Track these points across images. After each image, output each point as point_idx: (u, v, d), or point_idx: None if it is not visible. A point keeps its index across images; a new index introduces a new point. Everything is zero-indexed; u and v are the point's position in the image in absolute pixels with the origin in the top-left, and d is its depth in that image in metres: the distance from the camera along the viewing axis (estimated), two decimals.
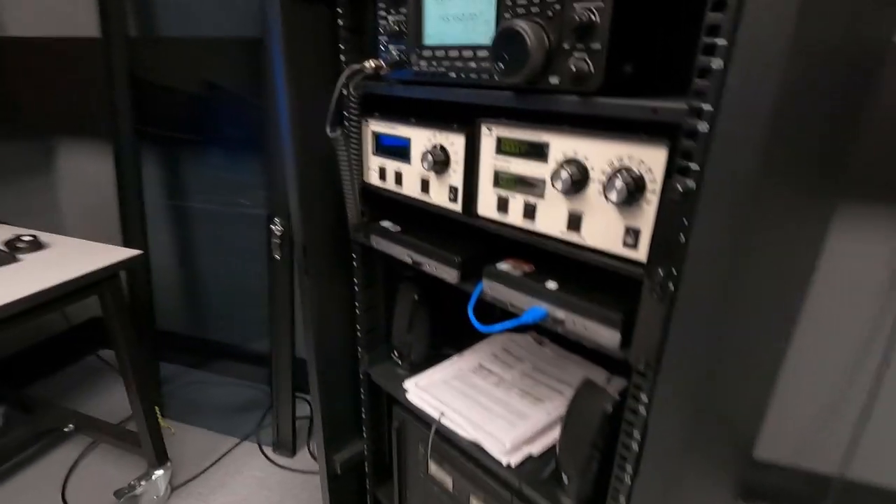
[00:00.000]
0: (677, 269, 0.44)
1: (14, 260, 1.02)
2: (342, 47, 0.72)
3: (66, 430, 1.32)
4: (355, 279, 0.85)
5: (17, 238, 1.07)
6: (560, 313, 0.56)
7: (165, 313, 1.71)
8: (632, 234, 0.49)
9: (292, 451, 1.44)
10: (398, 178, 0.70)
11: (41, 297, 0.91)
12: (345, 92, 0.66)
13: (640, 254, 0.49)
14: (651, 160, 0.46)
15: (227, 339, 1.69)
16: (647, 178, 0.46)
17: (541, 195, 0.55)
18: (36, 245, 1.08)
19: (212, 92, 1.37)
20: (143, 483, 1.21)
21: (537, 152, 0.54)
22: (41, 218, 1.63)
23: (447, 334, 0.93)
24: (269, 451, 1.44)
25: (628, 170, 0.47)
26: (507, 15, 0.51)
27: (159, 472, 1.23)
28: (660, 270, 0.46)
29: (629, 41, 0.46)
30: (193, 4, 1.29)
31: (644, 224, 0.47)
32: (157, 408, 1.54)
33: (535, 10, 0.48)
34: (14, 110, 1.50)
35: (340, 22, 0.71)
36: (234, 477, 1.34)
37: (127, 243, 1.47)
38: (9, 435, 1.34)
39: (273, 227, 1.30)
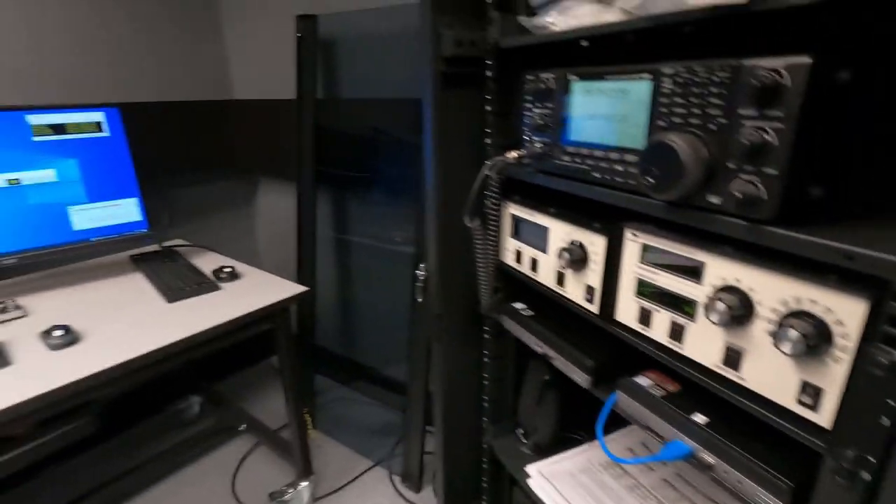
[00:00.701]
0: (876, 458, 0.35)
1: (217, 288, 1.24)
2: (488, 130, 0.73)
3: (240, 428, 1.56)
4: (486, 350, 0.85)
5: (221, 269, 1.30)
6: (709, 457, 0.48)
7: (324, 331, 1.93)
8: (810, 392, 0.39)
9: (418, 487, 1.49)
10: (534, 265, 0.69)
11: (234, 324, 1.08)
12: (487, 173, 0.66)
13: (822, 418, 0.39)
14: (843, 311, 0.36)
15: (372, 362, 1.83)
16: (835, 330, 0.37)
17: (691, 317, 0.48)
18: (233, 276, 1.31)
19: (377, 135, 1.52)
20: (290, 491, 1.37)
21: (690, 271, 0.47)
22: (241, 243, 1.97)
23: (578, 414, 0.87)
24: (397, 480, 1.51)
25: (809, 315, 0.38)
26: (660, 123, 0.46)
27: (304, 484, 1.38)
28: (849, 451, 0.36)
29: (817, 163, 0.38)
30: (368, 75, 1.46)
31: (829, 384, 0.38)
32: (308, 417, 1.73)
33: (694, 120, 0.43)
34: (230, 155, 1.85)
35: (488, 107, 0.72)
36: (364, 500, 1.44)
37: (300, 267, 1.70)
38: (201, 423, 1.63)
39: (418, 271, 1.37)
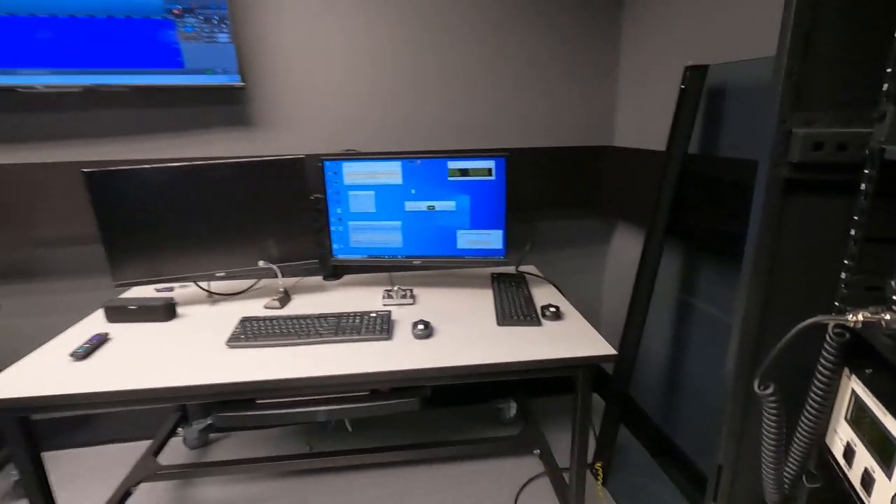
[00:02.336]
0: None
1: (538, 324, 1.37)
2: (849, 262, 0.52)
3: (534, 452, 1.68)
4: None
5: (549, 306, 1.42)
6: None
7: (642, 387, 1.81)
8: None
9: None
10: (867, 480, 0.45)
11: (537, 364, 1.18)
12: (832, 330, 0.48)
13: None
14: None
15: (686, 446, 1.60)
16: None
17: None
18: (557, 315, 1.40)
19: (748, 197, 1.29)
20: None
21: None
22: (588, 280, 2.06)
23: None
24: None
25: None
26: None
27: None
28: None
29: None
30: (751, 131, 1.24)
31: None
32: (600, 470, 1.68)
33: None
34: (595, 197, 1.95)
35: (855, 230, 0.51)
36: None
37: (629, 317, 1.64)
38: (511, 427, 1.85)
39: None
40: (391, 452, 1.56)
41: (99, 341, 1.25)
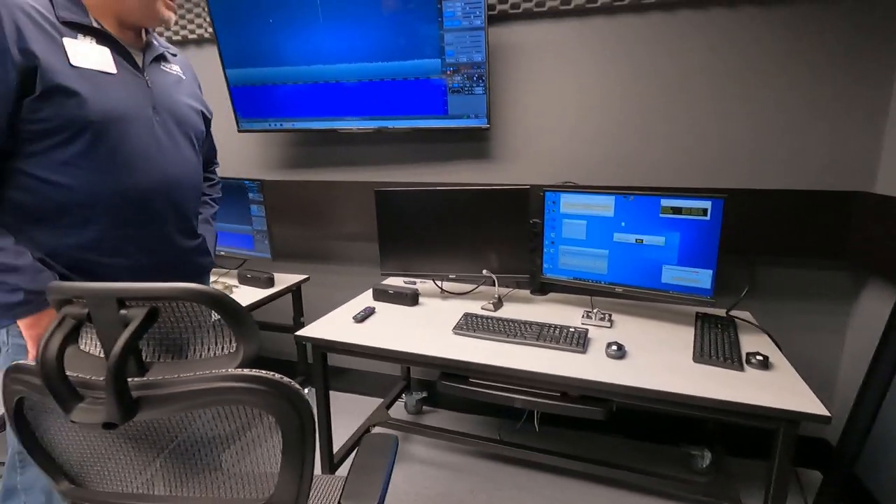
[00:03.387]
0: None
1: (740, 369, 1.34)
2: None
3: None
4: None
5: (756, 353, 1.38)
6: None
7: (873, 468, 1.53)
8: None
9: None
10: None
11: (740, 408, 1.18)
12: None
13: None
14: None
15: None
16: None
17: None
18: (764, 365, 1.35)
19: None
20: None
21: None
22: (819, 341, 1.82)
23: None
24: None
25: None
26: None
27: None
28: None
29: None
30: None
31: None
32: None
33: None
34: (839, 247, 1.72)
35: None
36: None
37: (867, 381, 1.44)
38: (700, 476, 1.77)
39: None
40: (573, 460, 1.69)
41: (369, 312, 1.73)
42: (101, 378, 0.64)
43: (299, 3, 1.90)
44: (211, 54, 2.28)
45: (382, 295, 1.86)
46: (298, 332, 1.59)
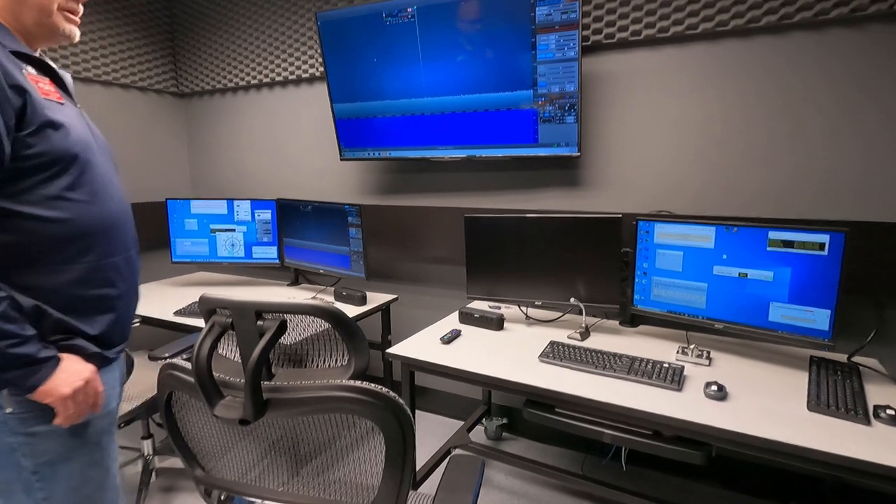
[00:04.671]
0: None
1: (867, 423, 1.20)
2: None
3: None
4: None
5: (887, 406, 1.23)
6: None
7: None
8: None
9: None
10: None
11: (869, 468, 1.06)
12: None
13: None
14: None
15: None
16: None
17: None
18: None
19: None
20: None
21: None
22: None
23: None
24: None
25: None
26: None
27: None
28: None
29: None
30: None
31: None
32: None
33: None
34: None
35: None
36: None
37: None
38: None
39: None
40: None
41: (455, 334, 1.78)
42: (238, 379, 0.74)
43: (402, 45, 2.06)
44: (320, 91, 2.52)
45: (469, 318, 1.90)
46: (389, 350, 1.67)
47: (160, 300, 2.34)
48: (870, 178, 1.61)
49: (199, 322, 2.02)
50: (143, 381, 1.82)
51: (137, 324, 1.95)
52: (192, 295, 2.43)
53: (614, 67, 1.91)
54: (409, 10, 1.99)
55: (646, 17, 1.80)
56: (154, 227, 2.65)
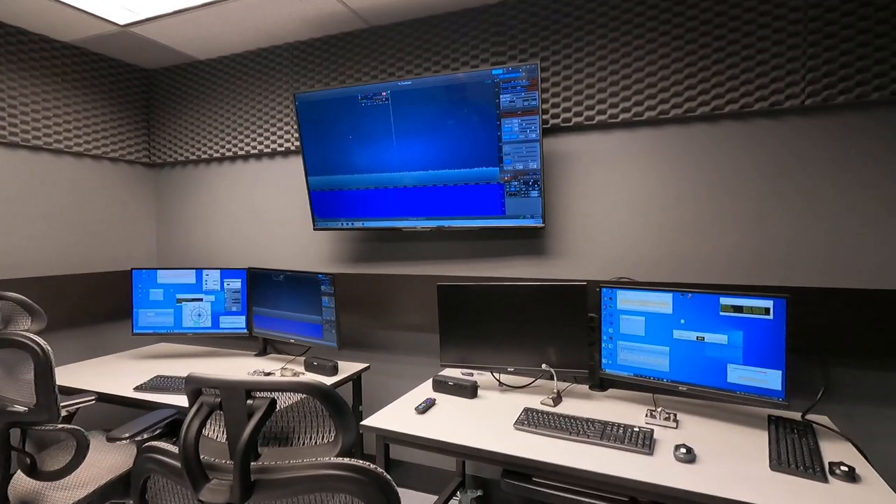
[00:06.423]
0: None
1: (823, 481, 1.27)
2: None
3: None
4: None
5: (840, 464, 1.30)
6: None
7: None
8: None
9: None
10: None
11: None
12: None
13: None
14: None
15: None
16: None
17: None
18: (850, 477, 1.27)
19: None
20: None
21: None
22: None
23: None
24: None
25: None
26: None
27: None
28: None
29: None
30: None
31: None
32: None
33: None
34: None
35: None
36: None
37: None
38: None
39: None
40: None
41: (430, 403, 1.77)
42: (224, 461, 0.73)
43: (377, 124, 2.20)
44: (294, 163, 2.61)
45: (442, 386, 1.91)
46: (364, 422, 1.65)
47: (118, 375, 2.23)
48: (796, 250, 1.79)
49: (162, 398, 1.94)
50: (97, 465, 1.70)
51: (92, 401, 1.85)
52: (153, 368, 2.34)
53: (573, 147, 2.09)
54: (384, 93, 2.15)
55: (597, 104, 2.01)
56: (116, 297, 2.58)
